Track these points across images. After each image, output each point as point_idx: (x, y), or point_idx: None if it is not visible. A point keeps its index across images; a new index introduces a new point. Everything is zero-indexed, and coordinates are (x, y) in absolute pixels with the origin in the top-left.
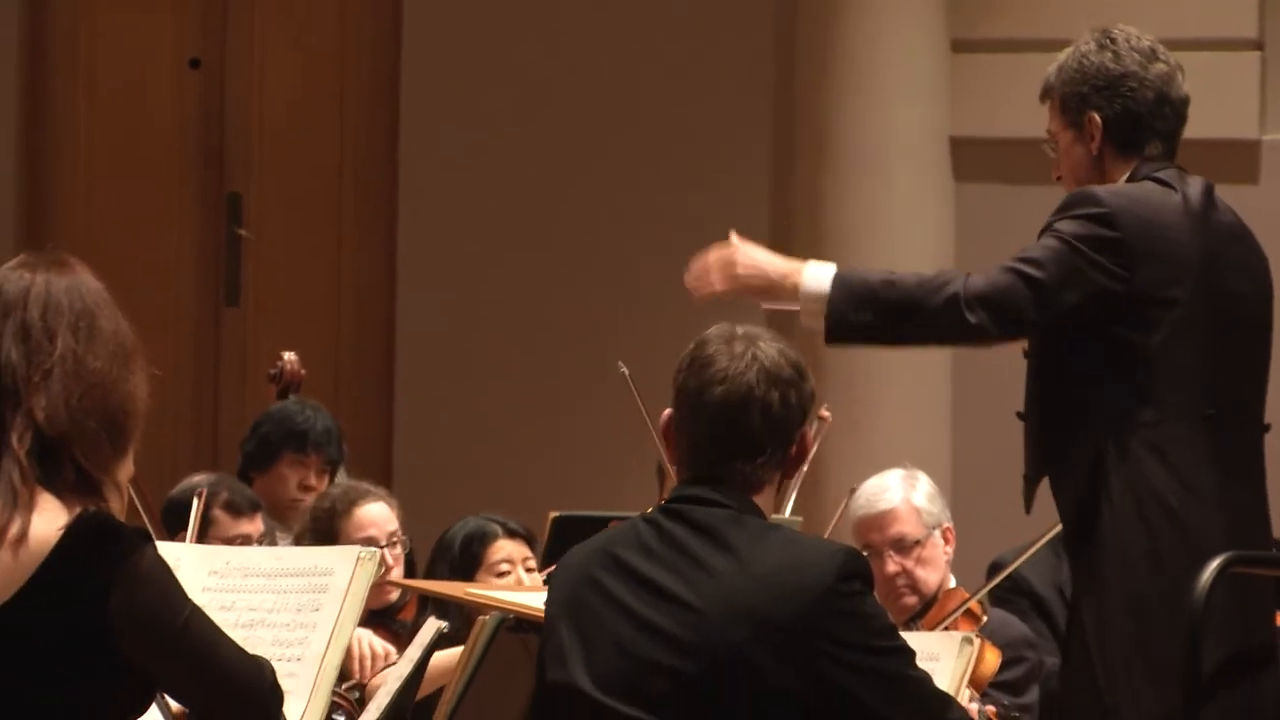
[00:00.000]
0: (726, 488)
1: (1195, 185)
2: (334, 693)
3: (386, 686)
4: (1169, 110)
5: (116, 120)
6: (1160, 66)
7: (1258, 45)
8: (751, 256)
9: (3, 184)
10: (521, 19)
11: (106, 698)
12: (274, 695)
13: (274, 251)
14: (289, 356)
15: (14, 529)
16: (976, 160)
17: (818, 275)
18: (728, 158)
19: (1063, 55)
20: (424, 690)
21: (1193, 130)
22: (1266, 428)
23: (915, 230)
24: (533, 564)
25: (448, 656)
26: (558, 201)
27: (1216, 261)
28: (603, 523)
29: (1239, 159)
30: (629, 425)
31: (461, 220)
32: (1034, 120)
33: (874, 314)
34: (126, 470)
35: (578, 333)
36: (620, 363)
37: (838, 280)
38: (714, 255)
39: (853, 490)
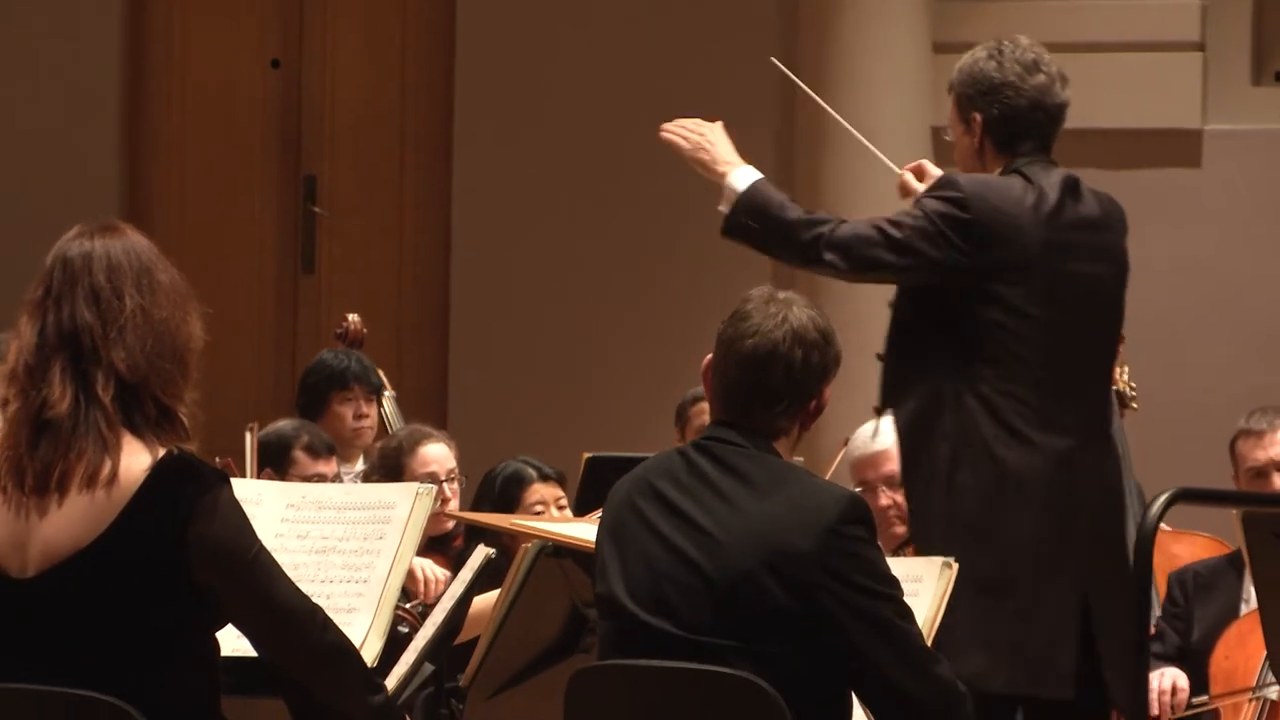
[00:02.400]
0: (749, 431)
1: (1055, 180)
2: (398, 608)
3: (442, 604)
4: (1043, 116)
5: (207, 113)
6: (1040, 78)
7: (1200, 47)
8: (715, 139)
9: (107, 171)
10: (557, 25)
11: (183, 619)
12: (325, 630)
13: (344, 225)
14: (353, 318)
15: (105, 470)
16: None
17: (743, 176)
18: (737, 142)
19: (964, 57)
20: (466, 634)
21: (1143, 121)
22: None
23: (901, 207)
24: (564, 503)
25: (485, 601)
26: (589, 180)
27: (1064, 247)
28: (631, 462)
29: (1183, 146)
30: (653, 378)
31: (507, 198)
32: None
33: (759, 225)
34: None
35: (608, 294)
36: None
37: (752, 187)
38: (697, 123)
39: (847, 440)
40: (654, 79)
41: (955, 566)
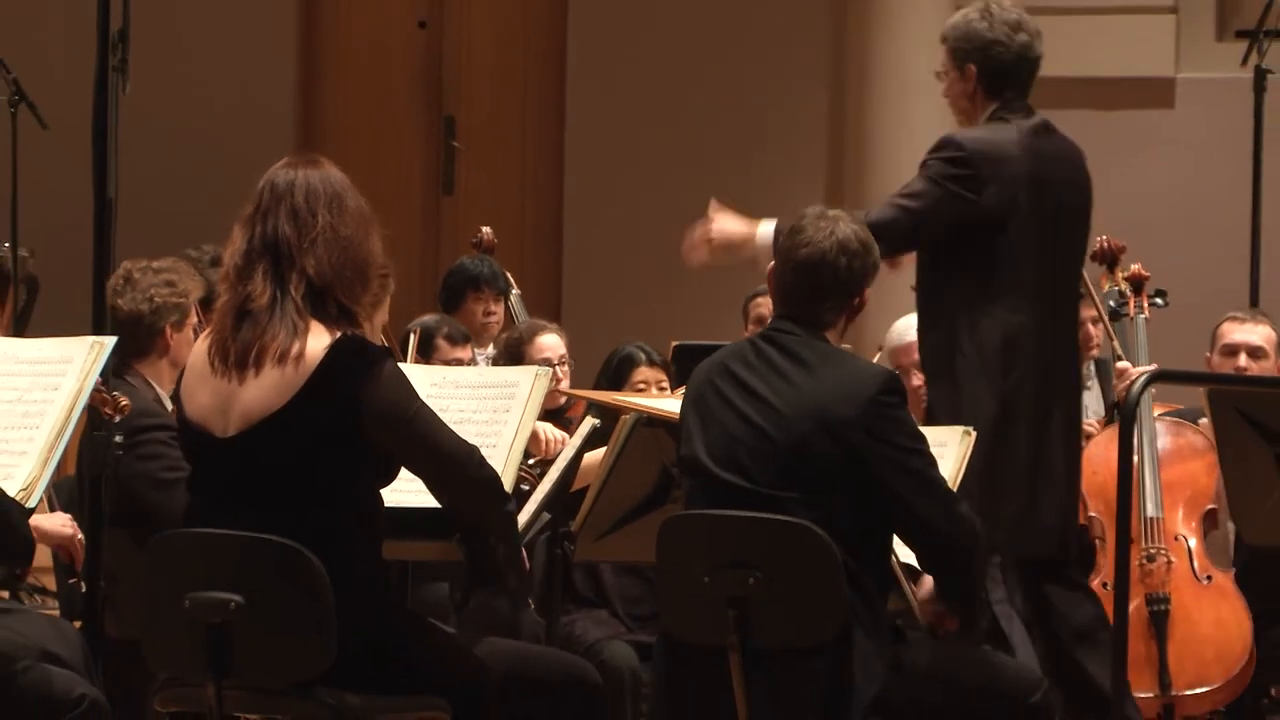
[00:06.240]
0: (804, 323)
1: (1032, 122)
2: (521, 467)
3: (556, 464)
4: (1025, 67)
5: (366, 64)
6: (1022, 36)
7: (1173, 10)
8: (721, 227)
9: (285, 111)
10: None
11: (355, 472)
12: (481, 469)
13: (478, 156)
14: (486, 230)
15: (294, 349)
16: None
17: (768, 230)
18: (788, 91)
19: (957, 15)
20: (577, 485)
21: (1126, 70)
22: (1081, 297)
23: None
24: (665, 384)
25: (592, 457)
26: (681, 116)
27: (1044, 179)
28: (710, 349)
29: (1159, 91)
30: (732, 280)
31: (609, 134)
32: None
33: None
34: (381, 317)
35: (694, 210)
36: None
37: (777, 230)
38: (697, 232)
39: (880, 348)
40: (727, 36)
41: (974, 434)
